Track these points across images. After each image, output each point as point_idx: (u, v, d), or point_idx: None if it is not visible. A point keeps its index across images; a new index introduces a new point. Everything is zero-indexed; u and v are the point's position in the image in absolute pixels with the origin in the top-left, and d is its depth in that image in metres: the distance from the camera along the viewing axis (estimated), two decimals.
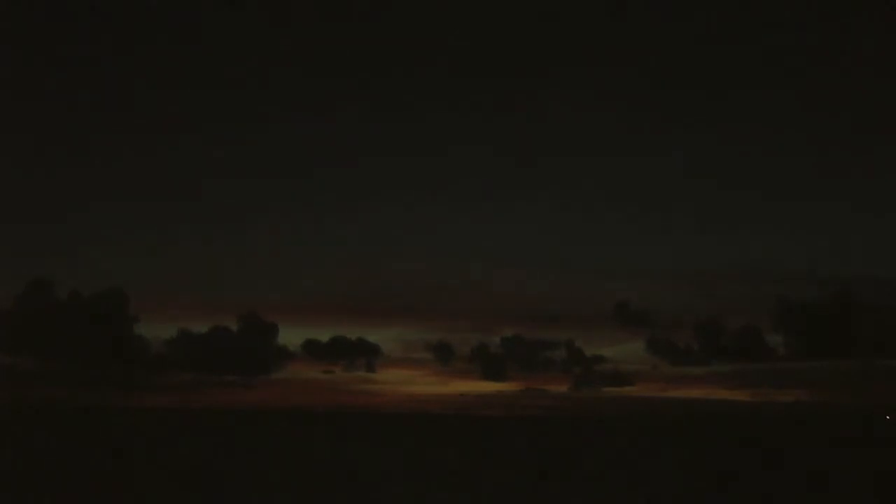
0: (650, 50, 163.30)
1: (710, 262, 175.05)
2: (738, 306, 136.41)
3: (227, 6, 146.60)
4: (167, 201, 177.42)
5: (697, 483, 28.14)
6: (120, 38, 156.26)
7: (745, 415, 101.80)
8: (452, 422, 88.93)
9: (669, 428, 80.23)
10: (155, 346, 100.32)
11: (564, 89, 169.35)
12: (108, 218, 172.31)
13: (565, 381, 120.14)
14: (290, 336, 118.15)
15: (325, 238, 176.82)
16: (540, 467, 33.25)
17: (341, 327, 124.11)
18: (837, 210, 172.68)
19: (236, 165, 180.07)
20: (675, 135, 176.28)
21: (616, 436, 64.71)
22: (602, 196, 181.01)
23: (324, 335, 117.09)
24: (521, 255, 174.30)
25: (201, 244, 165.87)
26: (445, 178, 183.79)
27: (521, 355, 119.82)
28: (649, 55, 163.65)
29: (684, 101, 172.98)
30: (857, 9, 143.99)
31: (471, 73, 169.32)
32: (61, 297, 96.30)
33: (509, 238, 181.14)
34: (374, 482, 26.46)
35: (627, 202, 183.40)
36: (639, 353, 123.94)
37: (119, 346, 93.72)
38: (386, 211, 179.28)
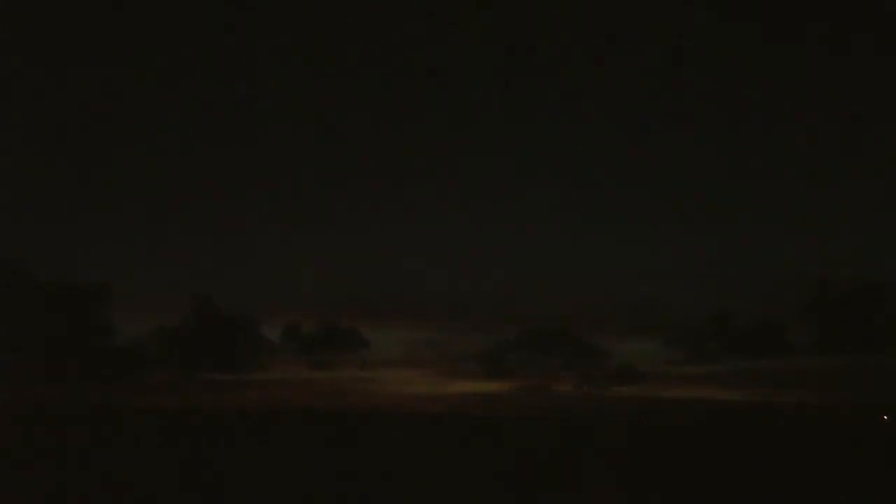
0: (657, 39, 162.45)
1: (725, 256, 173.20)
2: (752, 302, 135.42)
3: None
4: (160, 197, 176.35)
5: (702, 484, 27.77)
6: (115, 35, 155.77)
7: (757, 413, 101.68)
8: (452, 422, 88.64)
9: (678, 428, 79.85)
10: (137, 341, 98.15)
11: (565, 83, 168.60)
12: (93, 210, 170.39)
13: (570, 380, 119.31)
14: (287, 334, 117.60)
15: (323, 236, 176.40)
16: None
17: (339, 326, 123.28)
18: (858, 204, 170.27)
19: (227, 161, 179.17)
20: (689, 126, 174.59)
21: (620, 436, 64.38)
22: (610, 189, 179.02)
23: (320, 332, 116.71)
24: (523, 252, 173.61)
25: (193, 239, 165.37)
26: (445, 176, 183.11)
27: (523, 353, 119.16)
28: (657, 45, 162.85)
29: (691, 96, 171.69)
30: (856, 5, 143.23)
31: (472, 73, 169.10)
32: (32, 281, 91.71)
33: (510, 235, 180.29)
34: (374, 482, 26.16)
35: (637, 195, 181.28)
36: (649, 351, 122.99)
37: (99, 340, 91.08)
38: (386, 210, 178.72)
